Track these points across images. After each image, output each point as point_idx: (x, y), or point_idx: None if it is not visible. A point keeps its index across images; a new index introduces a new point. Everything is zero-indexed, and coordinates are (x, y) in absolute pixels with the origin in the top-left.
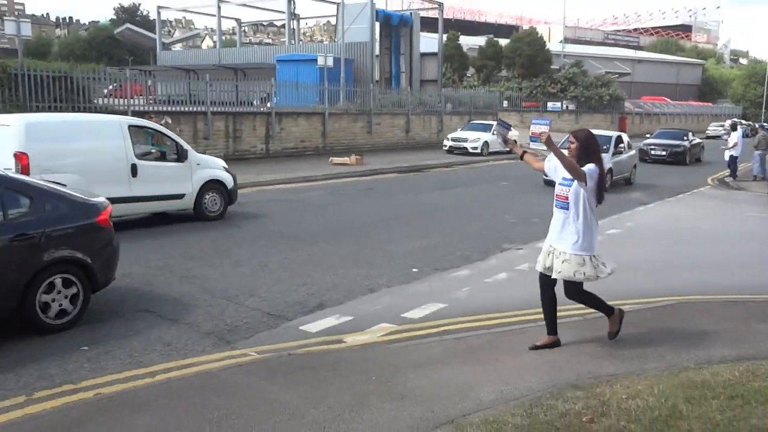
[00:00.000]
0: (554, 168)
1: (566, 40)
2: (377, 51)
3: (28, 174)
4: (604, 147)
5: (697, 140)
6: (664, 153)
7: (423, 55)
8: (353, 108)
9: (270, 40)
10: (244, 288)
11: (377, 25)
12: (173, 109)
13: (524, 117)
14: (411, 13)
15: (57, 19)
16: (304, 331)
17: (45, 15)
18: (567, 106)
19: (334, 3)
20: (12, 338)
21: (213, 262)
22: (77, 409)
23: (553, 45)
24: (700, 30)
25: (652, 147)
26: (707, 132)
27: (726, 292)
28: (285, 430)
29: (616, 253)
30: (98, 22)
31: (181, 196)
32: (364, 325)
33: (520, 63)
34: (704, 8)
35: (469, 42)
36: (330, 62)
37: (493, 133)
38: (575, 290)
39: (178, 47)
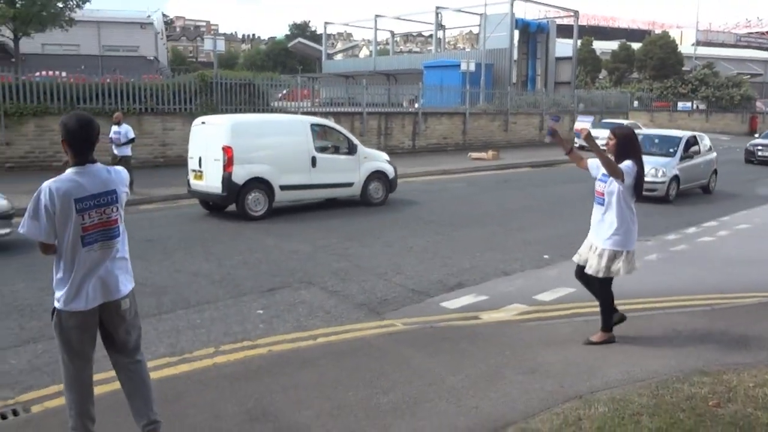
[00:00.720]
0: (597, 166)
1: (698, 43)
2: (515, 56)
3: (232, 164)
4: (671, 150)
5: None
6: None
7: (558, 59)
8: (491, 108)
9: (418, 49)
10: (393, 266)
11: (516, 32)
12: (334, 110)
13: (654, 116)
14: (548, 21)
15: (243, 36)
16: (444, 307)
17: (234, 33)
18: (697, 106)
19: (477, 14)
20: (205, 300)
21: (367, 243)
22: (255, 362)
23: (685, 48)
24: None
25: (759, 148)
26: None
27: None
28: (427, 393)
29: (743, 247)
30: (275, 37)
31: (350, 185)
32: (499, 304)
33: (651, 65)
34: None
35: (602, 46)
36: (472, 67)
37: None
38: (601, 284)
39: (339, 57)
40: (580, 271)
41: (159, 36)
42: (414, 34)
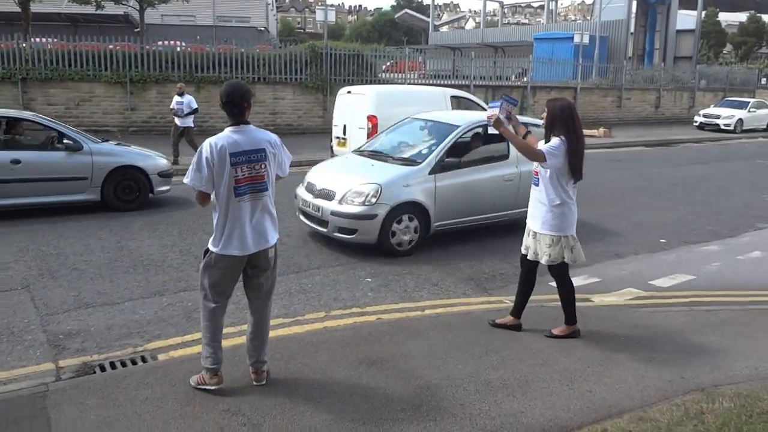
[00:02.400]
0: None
1: None
2: (632, 28)
3: (376, 132)
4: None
5: None
6: None
7: (679, 32)
8: (604, 83)
9: (527, 21)
10: (499, 244)
11: (634, 3)
12: (440, 82)
13: None
14: None
15: (349, 7)
16: (552, 287)
17: (341, 4)
18: None
19: None
20: (315, 266)
21: None
22: (364, 328)
23: None
24: None
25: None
26: None
27: None
28: (540, 373)
29: None
30: (381, 8)
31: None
32: (612, 288)
33: None
34: None
35: (729, 18)
36: (586, 40)
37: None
38: (555, 273)
39: (445, 28)
40: (522, 259)
41: (269, 7)
42: (523, 5)
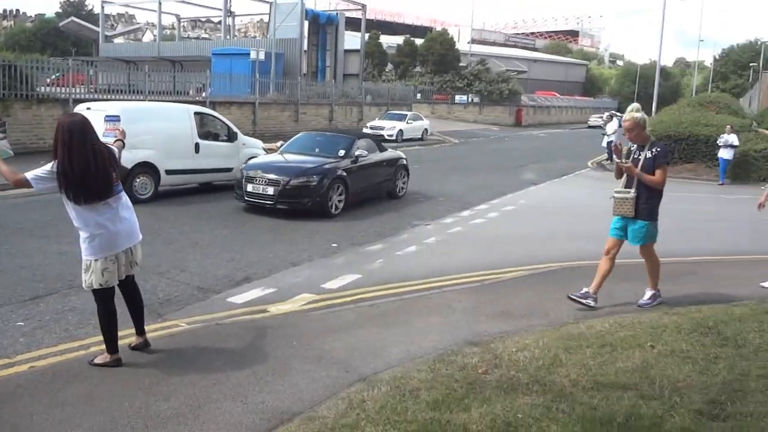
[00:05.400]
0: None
1: (473, 41)
2: (305, 47)
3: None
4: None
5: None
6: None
7: (347, 51)
8: (282, 98)
9: (207, 35)
10: (176, 264)
11: (306, 23)
12: (112, 97)
13: (434, 108)
14: (337, 13)
15: (4, 11)
16: (231, 303)
17: None
18: (472, 99)
19: (267, 2)
20: None
21: (145, 241)
22: (13, 381)
23: (462, 45)
24: (586, 35)
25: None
26: (589, 122)
27: (598, 257)
28: (212, 393)
29: (509, 226)
30: (44, 15)
31: (230, 170)
32: (287, 296)
33: (432, 60)
34: (589, 16)
35: (389, 41)
36: (262, 56)
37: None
38: (95, 299)
39: (120, 40)
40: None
41: None
42: (202, 19)
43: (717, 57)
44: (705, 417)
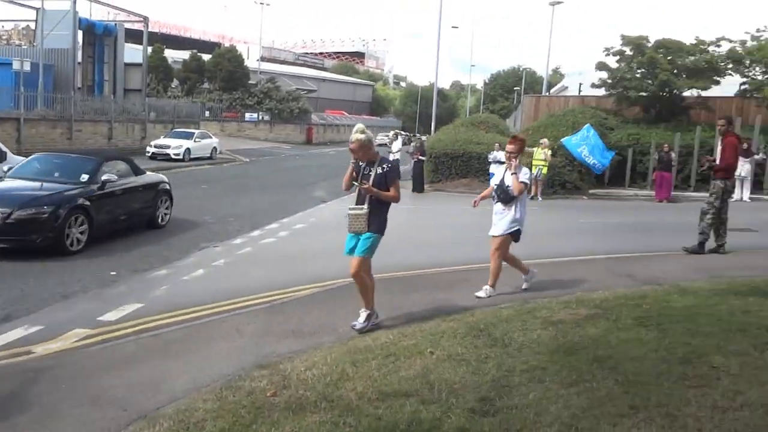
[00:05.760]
0: None
1: (262, 59)
2: (80, 58)
3: None
4: None
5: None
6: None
7: (128, 65)
8: (52, 114)
9: None
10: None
11: (80, 32)
12: None
13: (224, 126)
14: (116, 24)
15: None
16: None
17: None
18: (263, 117)
19: (33, 8)
20: None
21: None
22: None
23: (251, 62)
24: (371, 57)
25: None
26: (377, 141)
27: (389, 270)
28: None
29: (300, 244)
30: None
31: None
32: (57, 333)
33: (221, 77)
34: (374, 39)
35: (175, 55)
36: (27, 67)
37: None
38: None
39: None
40: None
41: None
42: None
43: (487, 81)
44: (478, 414)
